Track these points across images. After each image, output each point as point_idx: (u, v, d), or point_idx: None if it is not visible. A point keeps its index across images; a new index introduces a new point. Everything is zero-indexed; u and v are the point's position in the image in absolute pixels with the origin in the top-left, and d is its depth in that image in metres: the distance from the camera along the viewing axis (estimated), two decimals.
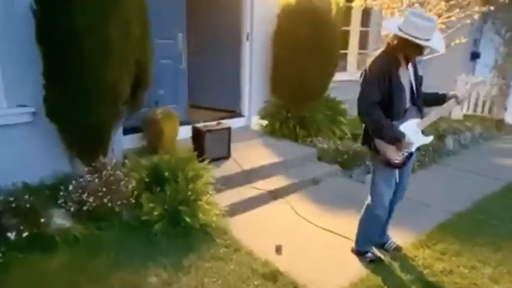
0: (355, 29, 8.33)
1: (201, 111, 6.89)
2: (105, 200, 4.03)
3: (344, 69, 8.20)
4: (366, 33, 8.71)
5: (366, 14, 8.33)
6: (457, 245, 4.36)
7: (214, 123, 5.57)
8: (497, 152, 7.74)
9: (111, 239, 3.93)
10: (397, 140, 3.66)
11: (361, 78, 3.73)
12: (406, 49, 3.59)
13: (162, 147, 5.00)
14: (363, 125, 3.89)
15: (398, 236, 4.35)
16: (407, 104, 3.77)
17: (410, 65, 3.76)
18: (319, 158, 6.16)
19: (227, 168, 5.23)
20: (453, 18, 6.66)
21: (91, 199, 3.99)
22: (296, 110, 6.52)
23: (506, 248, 4.34)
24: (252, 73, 6.81)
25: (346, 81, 7.64)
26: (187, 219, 4.18)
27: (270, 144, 6.20)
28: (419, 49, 3.59)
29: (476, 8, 6.88)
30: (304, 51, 6.27)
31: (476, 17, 6.87)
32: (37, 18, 3.92)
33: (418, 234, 4.54)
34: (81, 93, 4.03)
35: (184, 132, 5.61)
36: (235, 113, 6.95)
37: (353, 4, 7.25)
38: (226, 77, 7.02)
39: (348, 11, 7.52)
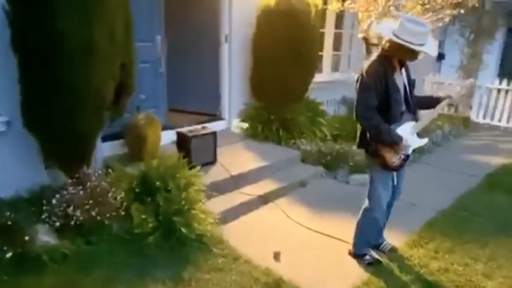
0: (329, 30, 8.14)
1: (181, 115, 6.53)
2: (93, 213, 3.64)
3: (320, 70, 7.98)
4: (339, 35, 8.54)
5: (339, 16, 8.16)
6: (447, 242, 4.35)
7: (199, 127, 5.28)
8: (467, 149, 7.73)
9: (103, 255, 3.58)
10: (396, 143, 3.64)
11: (358, 84, 3.66)
12: (401, 54, 3.58)
13: (145, 154, 4.64)
14: (359, 129, 3.83)
15: (391, 237, 4.27)
16: (403, 107, 3.74)
17: (403, 69, 3.74)
18: (303, 160, 5.95)
19: (215, 174, 4.94)
20: (427, 21, 6.62)
21: (77, 213, 3.59)
22: (278, 112, 6.28)
23: (493, 243, 4.38)
24: (231, 75, 6.51)
25: (323, 83, 7.57)
26: (183, 230, 3.91)
27: (253, 148, 5.95)
28: (414, 54, 3.56)
29: (448, 12, 6.83)
30: (285, 52, 6.05)
31: (447, 19, 6.81)
32: (11, 20, 3.50)
33: (410, 233, 4.50)
34: (64, 100, 3.65)
35: (165, 138, 5.29)
36: (216, 116, 6.61)
37: (329, 7, 7.13)
38: (205, 80, 6.71)
39: (322, 13, 7.32)
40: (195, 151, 4.91)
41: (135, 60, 4.43)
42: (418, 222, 4.74)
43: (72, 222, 3.61)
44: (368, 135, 3.73)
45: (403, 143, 3.65)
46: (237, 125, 6.61)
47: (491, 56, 10.64)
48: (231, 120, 6.64)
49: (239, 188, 4.96)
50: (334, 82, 8.15)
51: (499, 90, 9.64)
